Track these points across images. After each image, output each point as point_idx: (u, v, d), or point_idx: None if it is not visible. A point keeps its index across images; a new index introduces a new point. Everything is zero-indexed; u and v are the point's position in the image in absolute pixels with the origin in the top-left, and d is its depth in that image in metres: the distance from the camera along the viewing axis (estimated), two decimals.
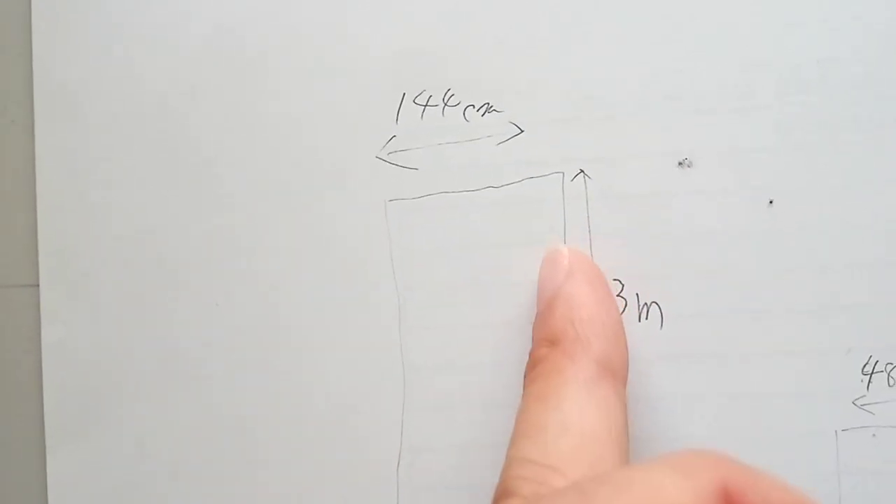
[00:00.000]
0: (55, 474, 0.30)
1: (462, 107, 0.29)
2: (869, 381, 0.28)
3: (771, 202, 0.28)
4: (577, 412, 0.23)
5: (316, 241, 0.29)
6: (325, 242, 0.29)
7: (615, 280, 0.28)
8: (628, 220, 0.28)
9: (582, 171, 0.28)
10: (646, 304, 0.28)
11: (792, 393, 0.28)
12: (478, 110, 0.29)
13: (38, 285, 0.31)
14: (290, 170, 0.30)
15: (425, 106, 0.29)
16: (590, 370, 0.24)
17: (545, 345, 0.25)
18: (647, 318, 0.28)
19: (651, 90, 0.28)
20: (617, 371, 0.25)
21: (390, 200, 0.29)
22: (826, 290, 0.28)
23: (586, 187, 0.28)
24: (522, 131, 0.29)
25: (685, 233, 0.28)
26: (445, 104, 0.29)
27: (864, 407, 0.28)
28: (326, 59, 0.30)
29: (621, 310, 0.28)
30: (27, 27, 0.31)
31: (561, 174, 0.29)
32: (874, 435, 0.27)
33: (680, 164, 0.28)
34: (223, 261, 0.30)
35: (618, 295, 0.28)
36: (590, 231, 0.28)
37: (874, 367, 0.27)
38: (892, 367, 0.27)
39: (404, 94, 0.29)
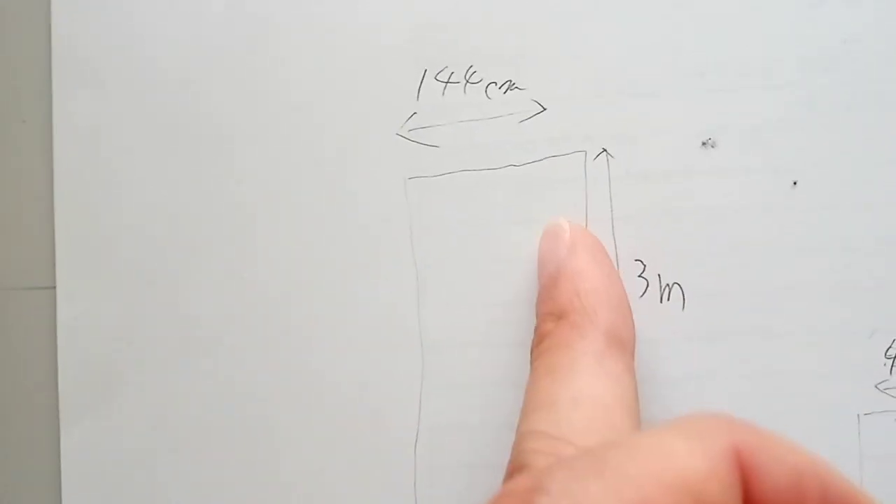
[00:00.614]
0: (69, 449, 0.30)
1: (484, 84, 0.29)
2: (892, 365, 0.27)
3: (795, 183, 0.28)
4: (588, 384, 0.23)
5: (336, 217, 0.29)
6: (345, 219, 0.29)
7: (637, 260, 0.28)
8: (651, 200, 0.28)
9: (605, 149, 0.28)
10: (668, 284, 0.28)
11: (815, 375, 0.27)
12: (500, 87, 0.29)
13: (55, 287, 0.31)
14: (310, 146, 0.29)
15: (447, 83, 0.29)
16: (598, 342, 0.23)
17: (551, 319, 0.25)
18: (668, 300, 0.28)
19: (675, 68, 0.28)
20: (625, 342, 0.24)
21: (410, 178, 0.29)
22: (851, 270, 0.27)
23: (609, 166, 0.28)
24: (545, 109, 0.28)
25: (708, 213, 0.28)
26: (467, 81, 0.29)
27: (888, 391, 0.27)
28: (348, 34, 0.29)
29: (642, 291, 0.28)
30: (47, 8, 0.31)
31: (583, 153, 0.28)
32: None
33: (704, 143, 0.28)
34: (240, 236, 0.30)
35: (639, 276, 0.28)
36: (612, 210, 0.28)
37: None
38: None
39: (426, 70, 0.29)
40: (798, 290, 0.27)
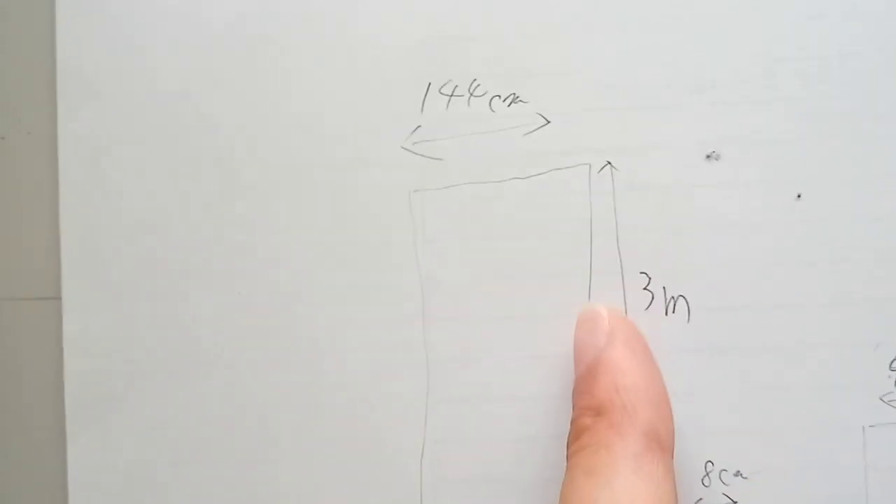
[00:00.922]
0: (75, 458, 0.30)
1: (488, 97, 0.29)
2: None
3: (799, 195, 0.28)
4: (628, 490, 0.22)
5: (339, 230, 0.29)
6: (349, 232, 0.29)
7: (642, 273, 0.28)
8: (655, 213, 0.28)
9: (609, 162, 0.28)
10: (673, 297, 0.28)
11: (820, 387, 0.27)
12: (504, 101, 0.29)
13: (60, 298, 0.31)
14: (313, 159, 0.29)
15: (451, 96, 0.29)
16: (638, 444, 0.23)
17: (589, 414, 0.24)
18: (674, 312, 0.28)
19: (679, 82, 0.28)
20: (664, 441, 0.24)
21: (415, 191, 0.29)
22: (855, 282, 0.27)
23: (613, 179, 0.28)
24: (549, 122, 0.28)
25: (713, 225, 0.28)
26: (471, 94, 0.29)
27: (892, 403, 0.27)
28: (352, 48, 0.29)
29: (648, 303, 0.28)
30: (51, 24, 0.31)
31: (588, 166, 0.28)
32: None
33: (708, 156, 0.28)
34: (244, 250, 0.30)
35: (644, 288, 0.28)
36: (616, 223, 0.28)
37: None
38: None
39: (430, 83, 0.29)
40: (803, 302, 0.27)
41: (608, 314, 0.26)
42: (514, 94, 0.29)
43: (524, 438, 0.28)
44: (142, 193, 0.30)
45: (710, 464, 0.28)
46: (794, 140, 0.28)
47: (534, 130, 0.28)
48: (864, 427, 0.27)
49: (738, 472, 0.28)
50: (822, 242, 0.28)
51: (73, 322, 0.30)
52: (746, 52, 0.28)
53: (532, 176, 0.28)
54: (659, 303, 0.28)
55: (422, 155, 0.29)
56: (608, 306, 0.27)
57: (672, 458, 0.24)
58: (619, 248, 0.28)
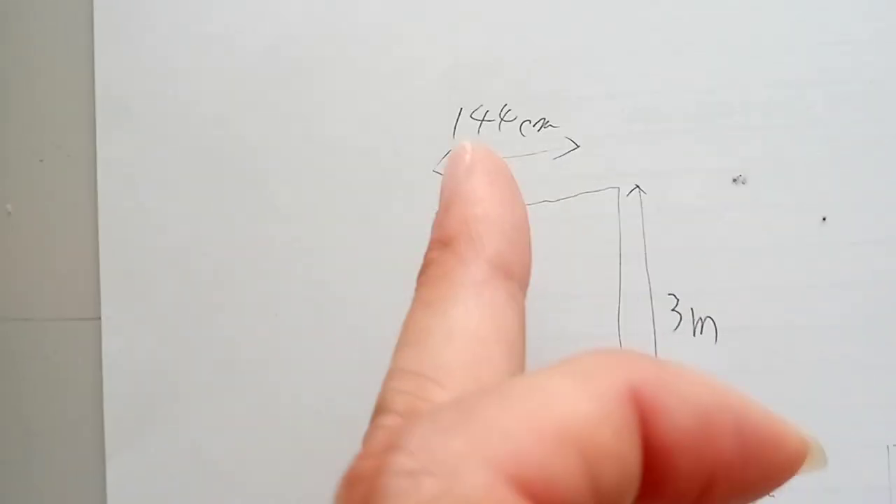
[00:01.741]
0: (114, 477, 0.31)
1: (518, 122, 0.29)
2: None
3: (824, 218, 0.28)
4: (464, 317, 0.20)
5: (372, 252, 0.30)
6: (382, 254, 0.30)
7: (670, 294, 0.29)
8: (683, 235, 0.29)
9: (637, 186, 0.29)
10: (700, 318, 0.28)
11: (844, 406, 0.28)
12: (534, 125, 0.29)
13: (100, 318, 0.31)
14: (347, 183, 0.30)
15: (482, 121, 0.29)
16: (481, 272, 0.21)
17: (438, 247, 0.22)
18: (701, 333, 0.28)
19: (706, 106, 0.29)
20: (513, 271, 0.21)
21: None
22: (879, 303, 0.28)
23: (641, 202, 0.29)
24: (578, 146, 0.29)
25: (740, 247, 0.28)
26: (502, 119, 0.29)
27: None
28: (384, 73, 0.30)
29: (676, 324, 0.28)
30: (90, 49, 0.32)
31: (616, 189, 0.29)
32: None
33: (735, 180, 0.28)
34: (279, 271, 0.30)
35: (673, 309, 0.28)
36: (645, 245, 0.29)
37: None
38: None
39: (461, 108, 0.30)
40: (827, 322, 0.28)
41: (472, 147, 0.23)
42: (544, 118, 0.29)
43: None
44: (179, 215, 0.31)
45: None
46: (819, 163, 0.28)
47: (563, 154, 0.29)
48: (888, 446, 0.28)
49: None
50: (847, 264, 0.28)
51: (113, 342, 0.31)
52: (773, 76, 0.28)
53: (562, 199, 0.29)
54: (687, 324, 0.28)
55: None
56: (477, 141, 0.24)
57: (523, 295, 0.22)
58: (647, 270, 0.29)
